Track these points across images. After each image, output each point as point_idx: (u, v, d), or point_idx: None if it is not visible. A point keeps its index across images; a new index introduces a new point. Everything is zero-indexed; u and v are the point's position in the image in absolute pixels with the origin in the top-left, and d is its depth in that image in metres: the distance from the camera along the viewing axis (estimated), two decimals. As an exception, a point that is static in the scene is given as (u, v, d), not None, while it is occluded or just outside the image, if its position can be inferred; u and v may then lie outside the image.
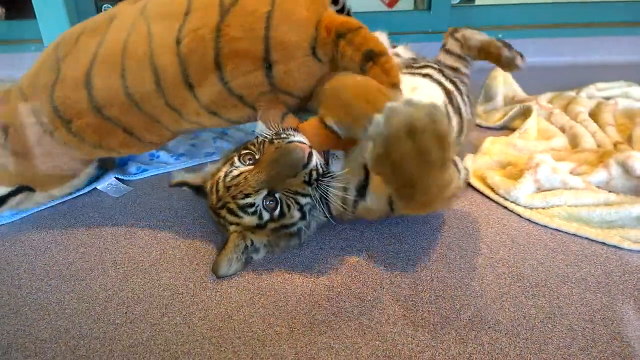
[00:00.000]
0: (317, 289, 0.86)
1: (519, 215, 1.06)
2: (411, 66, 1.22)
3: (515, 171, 1.16)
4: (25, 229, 1.07)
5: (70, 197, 1.19)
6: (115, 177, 1.25)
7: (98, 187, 1.22)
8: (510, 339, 0.74)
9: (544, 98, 1.64)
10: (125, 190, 1.22)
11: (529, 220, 1.04)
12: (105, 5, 2.31)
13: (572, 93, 1.68)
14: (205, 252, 0.97)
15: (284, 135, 0.87)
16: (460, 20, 2.32)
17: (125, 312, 0.82)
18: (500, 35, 2.30)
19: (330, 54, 0.91)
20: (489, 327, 0.76)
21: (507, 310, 0.80)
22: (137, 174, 1.29)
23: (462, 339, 0.74)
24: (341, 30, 0.89)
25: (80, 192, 1.21)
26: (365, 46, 0.88)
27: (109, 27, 0.99)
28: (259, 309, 0.82)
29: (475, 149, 1.38)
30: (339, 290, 0.85)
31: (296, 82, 0.92)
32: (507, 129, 1.54)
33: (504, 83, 1.68)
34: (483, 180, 1.17)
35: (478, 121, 1.59)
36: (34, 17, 2.17)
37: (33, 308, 0.83)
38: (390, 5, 2.67)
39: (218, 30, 0.87)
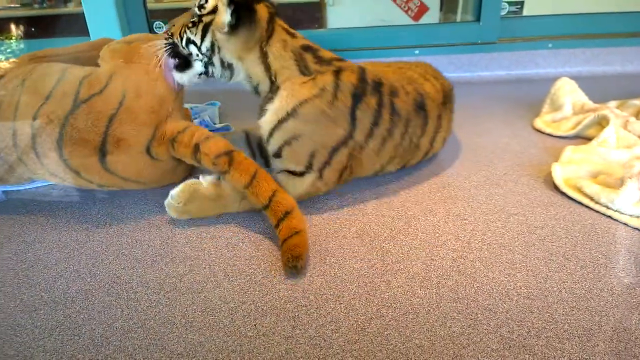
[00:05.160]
0: (442, 301, 0.84)
1: (625, 224, 1.04)
2: None
3: (611, 180, 1.15)
4: (125, 242, 1.06)
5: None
6: (2, 191, 1.30)
7: None
8: (660, 351, 0.72)
9: (612, 106, 1.63)
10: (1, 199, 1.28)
11: (637, 229, 1.02)
12: (156, 22, 2.35)
13: (637, 101, 1.67)
14: (315, 264, 0.96)
15: None
16: (510, 31, 2.33)
17: (255, 325, 0.80)
18: (550, 45, 2.31)
19: (166, 153, 1.13)
20: (636, 338, 0.74)
21: (646, 321, 0.78)
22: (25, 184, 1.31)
23: (613, 350, 0.72)
24: (171, 135, 1.11)
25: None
26: (192, 142, 1.09)
27: None
28: (390, 321, 0.80)
29: (553, 157, 1.37)
30: (465, 302, 0.84)
31: (128, 171, 1.13)
32: (580, 137, 1.52)
33: (570, 92, 1.67)
34: (579, 189, 1.15)
35: (548, 130, 1.58)
36: (88, 34, 2.21)
37: (159, 322, 0.82)
38: (415, 18, 2.70)
39: (66, 118, 1.06)
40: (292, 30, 1.17)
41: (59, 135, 1.05)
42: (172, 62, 1.16)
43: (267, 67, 1.12)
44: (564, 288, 0.86)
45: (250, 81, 1.16)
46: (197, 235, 1.08)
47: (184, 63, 1.16)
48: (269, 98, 1.13)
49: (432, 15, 2.73)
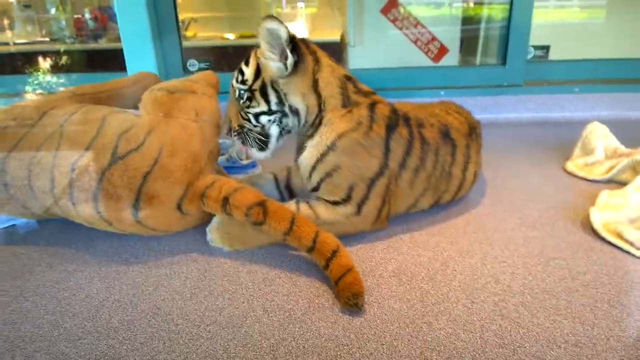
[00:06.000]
0: (487, 346, 0.82)
1: (670, 272, 1.02)
2: None
3: (651, 226, 1.13)
4: (164, 274, 1.07)
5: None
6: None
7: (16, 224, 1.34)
8: None
9: (644, 152, 1.62)
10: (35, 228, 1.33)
11: (683, 278, 1.00)
12: (190, 60, 2.44)
13: (668, 147, 1.66)
14: (354, 302, 0.95)
15: None
16: (536, 74, 2.36)
17: (297, 363, 0.80)
18: (576, 89, 2.33)
19: (197, 210, 1.15)
20: (693, 394, 0.71)
21: (702, 375, 0.75)
22: None
23: (672, 406, 0.69)
24: (200, 191, 1.13)
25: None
26: (220, 196, 1.10)
27: (36, 123, 1.20)
28: (435, 364, 0.79)
29: (588, 201, 1.36)
30: (512, 348, 0.82)
31: (158, 224, 1.16)
32: (613, 182, 1.51)
33: (602, 136, 1.67)
34: (619, 235, 1.14)
35: (581, 174, 1.57)
36: (118, 70, 2.30)
37: (201, 355, 0.82)
38: (435, 60, 2.74)
39: (103, 173, 1.08)
40: (331, 58, 1.23)
41: (96, 189, 1.08)
42: (250, 149, 1.23)
43: (318, 95, 1.16)
44: (612, 336, 0.83)
45: (308, 116, 1.18)
46: (233, 269, 1.09)
47: (260, 141, 1.22)
48: (309, 135, 1.18)
49: (452, 57, 2.78)
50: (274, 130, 1.21)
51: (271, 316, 0.92)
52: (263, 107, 1.17)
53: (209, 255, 1.15)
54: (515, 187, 1.51)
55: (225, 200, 1.09)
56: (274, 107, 1.17)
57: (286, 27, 1.09)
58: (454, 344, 0.83)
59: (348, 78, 1.20)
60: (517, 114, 2.41)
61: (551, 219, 1.28)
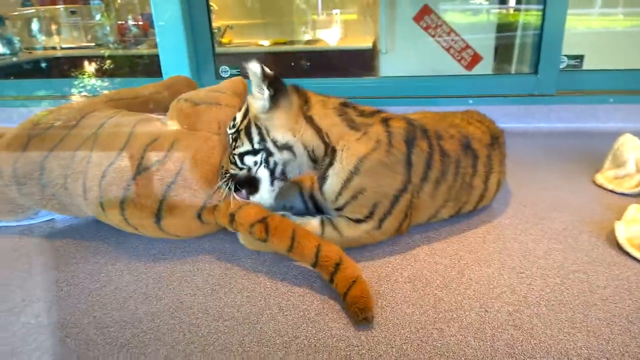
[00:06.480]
0: (497, 354, 0.83)
1: (696, 290, 0.99)
2: None
3: (679, 242, 1.10)
4: (188, 270, 1.13)
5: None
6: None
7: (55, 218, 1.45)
8: None
9: (679, 166, 1.56)
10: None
11: None
12: (223, 67, 2.52)
13: None
14: (368, 306, 0.98)
15: None
16: (569, 84, 2.31)
17: (308, 361, 0.83)
18: (611, 100, 2.27)
19: (214, 218, 1.17)
20: None
21: None
22: None
23: None
24: (215, 204, 1.16)
25: (37, 221, 1.42)
26: (228, 212, 1.13)
27: (77, 124, 1.29)
28: (442, 369, 0.80)
29: (616, 215, 1.33)
30: (522, 358, 0.82)
31: (179, 231, 1.22)
32: (644, 196, 1.47)
33: (634, 148, 1.62)
34: (644, 250, 1.11)
35: (611, 187, 1.54)
36: (156, 74, 2.40)
37: (217, 348, 0.86)
38: (468, 67, 2.72)
39: (129, 183, 1.14)
40: (321, 95, 1.20)
41: (122, 197, 1.14)
42: (242, 194, 1.18)
43: (318, 129, 1.13)
44: (627, 352, 0.82)
45: (308, 150, 1.15)
46: (253, 268, 1.13)
47: (250, 184, 1.17)
48: (329, 164, 1.14)
49: (486, 65, 2.75)
50: (262, 174, 1.16)
51: (286, 314, 0.96)
52: (247, 146, 1.14)
53: (231, 254, 1.20)
54: (541, 198, 1.50)
55: (232, 217, 1.11)
56: (256, 145, 1.13)
57: (261, 65, 1.07)
58: (464, 350, 0.84)
59: (345, 104, 1.18)
60: (549, 124, 2.37)
61: (575, 232, 1.26)
